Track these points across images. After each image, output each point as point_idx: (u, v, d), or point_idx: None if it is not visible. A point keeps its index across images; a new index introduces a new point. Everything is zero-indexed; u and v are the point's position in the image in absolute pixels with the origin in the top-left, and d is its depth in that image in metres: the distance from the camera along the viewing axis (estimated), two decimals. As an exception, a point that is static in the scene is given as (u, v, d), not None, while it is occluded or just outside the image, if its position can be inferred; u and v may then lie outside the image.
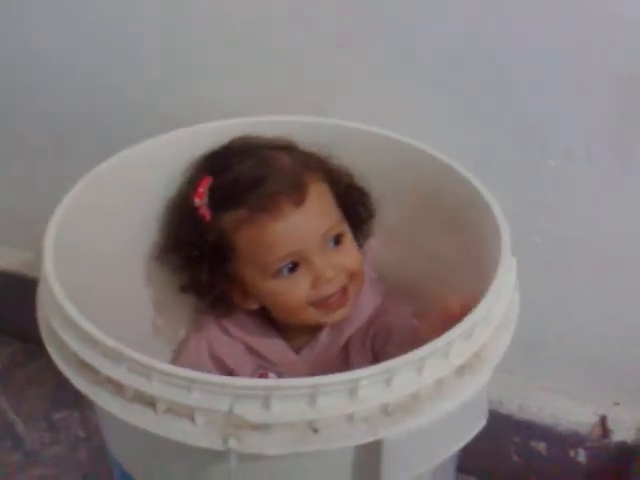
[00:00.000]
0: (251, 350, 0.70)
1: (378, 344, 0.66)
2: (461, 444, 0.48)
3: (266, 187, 0.62)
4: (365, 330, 0.67)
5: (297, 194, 0.62)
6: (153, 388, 0.45)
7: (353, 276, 0.64)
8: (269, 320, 0.70)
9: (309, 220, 0.62)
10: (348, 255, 0.65)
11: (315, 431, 0.44)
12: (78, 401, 0.96)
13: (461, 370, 0.47)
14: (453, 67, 0.68)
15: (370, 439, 0.44)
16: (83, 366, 0.48)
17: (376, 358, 0.66)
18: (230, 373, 0.69)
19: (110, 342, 0.46)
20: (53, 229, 0.57)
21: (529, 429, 0.82)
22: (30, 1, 0.81)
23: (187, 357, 0.70)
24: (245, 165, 0.65)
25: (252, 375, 0.68)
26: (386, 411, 0.45)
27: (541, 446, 0.83)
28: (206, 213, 0.64)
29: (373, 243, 0.73)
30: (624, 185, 0.69)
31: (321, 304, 0.63)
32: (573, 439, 0.81)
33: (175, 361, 0.71)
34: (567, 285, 0.76)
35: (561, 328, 0.79)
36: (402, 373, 0.44)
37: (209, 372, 0.63)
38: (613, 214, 0.71)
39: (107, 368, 0.46)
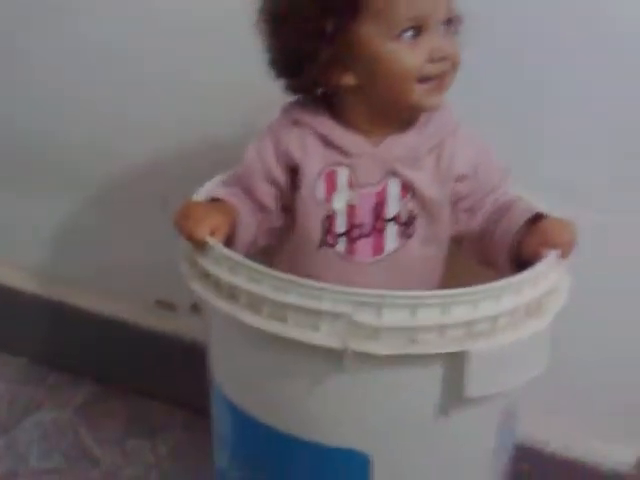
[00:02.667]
0: (323, 140, 0.70)
1: (465, 205, 0.71)
2: (524, 378, 0.60)
3: None
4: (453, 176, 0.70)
5: None
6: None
7: (454, 66, 0.67)
8: (341, 116, 0.71)
9: None
10: (454, 44, 0.68)
11: (413, 340, 0.56)
12: (152, 431, 1.06)
13: (528, 310, 0.59)
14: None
15: (457, 349, 0.56)
16: (223, 291, 0.61)
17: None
18: (294, 170, 0.70)
19: (254, 265, 0.60)
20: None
21: (574, 469, 0.90)
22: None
23: (243, 166, 0.72)
24: None
25: (320, 173, 0.69)
26: (471, 329, 0.57)
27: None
28: None
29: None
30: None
31: (427, 81, 0.66)
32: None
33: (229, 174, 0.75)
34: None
35: (605, 376, 0.89)
36: (486, 299, 0.57)
37: (269, 173, 0.70)
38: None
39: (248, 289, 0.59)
